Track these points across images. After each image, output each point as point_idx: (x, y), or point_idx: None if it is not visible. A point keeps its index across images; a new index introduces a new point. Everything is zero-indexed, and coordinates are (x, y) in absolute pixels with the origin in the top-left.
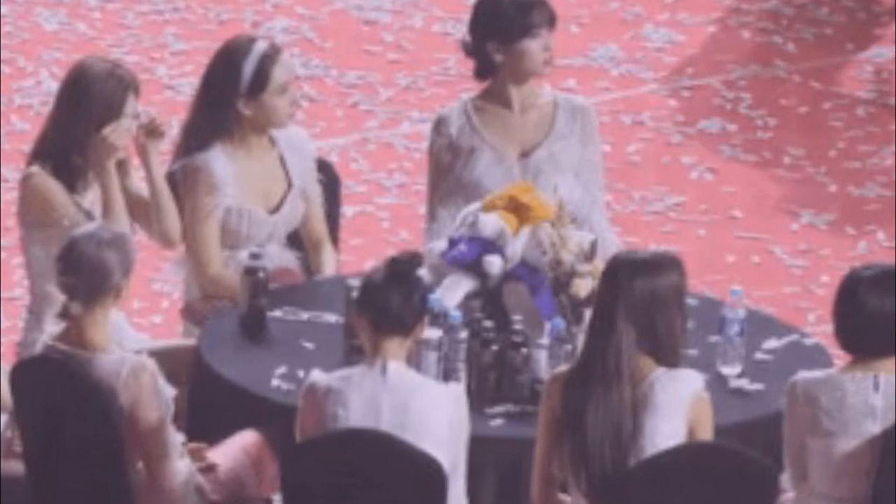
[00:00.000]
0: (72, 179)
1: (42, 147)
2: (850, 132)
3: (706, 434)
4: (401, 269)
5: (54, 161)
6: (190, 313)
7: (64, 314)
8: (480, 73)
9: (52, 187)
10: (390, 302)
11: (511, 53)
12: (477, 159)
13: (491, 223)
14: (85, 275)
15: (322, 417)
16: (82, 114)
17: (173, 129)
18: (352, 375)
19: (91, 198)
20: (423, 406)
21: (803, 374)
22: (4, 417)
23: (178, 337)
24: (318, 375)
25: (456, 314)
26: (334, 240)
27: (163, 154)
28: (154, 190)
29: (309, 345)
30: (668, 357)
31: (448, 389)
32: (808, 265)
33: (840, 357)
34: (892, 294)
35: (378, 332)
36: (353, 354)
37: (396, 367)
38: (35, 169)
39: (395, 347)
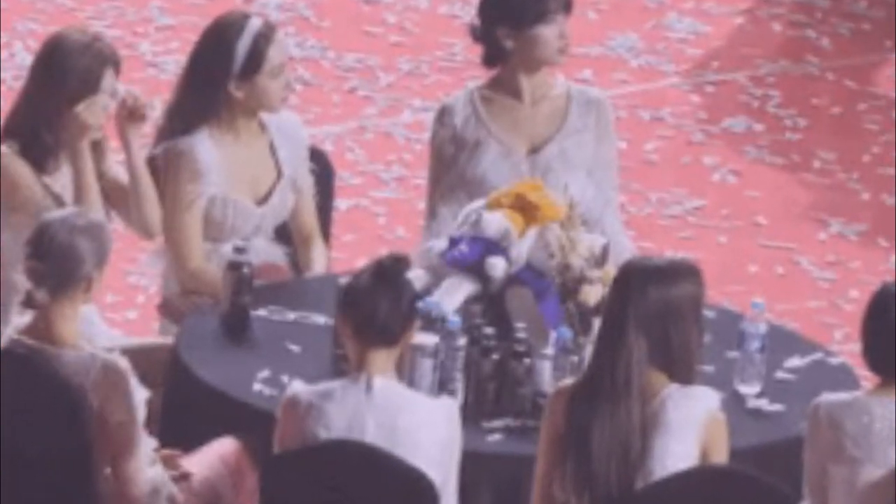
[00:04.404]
0: (41, 159)
1: (12, 123)
2: (885, 136)
3: (720, 457)
4: (386, 274)
5: (24, 139)
6: (167, 309)
7: (28, 302)
8: (489, 61)
9: (20, 169)
10: (375, 311)
11: (523, 40)
12: (482, 153)
13: (495, 222)
14: (54, 261)
15: (302, 435)
16: (55, 88)
17: (156, 110)
18: (334, 391)
19: (62, 181)
20: (412, 424)
21: (827, 396)
22: None
23: (153, 334)
24: (299, 388)
25: (454, 319)
26: (326, 235)
27: (145, 136)
28: (134, 175)
29: (295, 347)
30: (682, 373)
31: (440, 405)
32: (837, 278)
33: (867, 378)
34: None
35: (363, 343)
36: (342, 361)
37: (383, 382)
38: (3, 148)
39: (382, 359)
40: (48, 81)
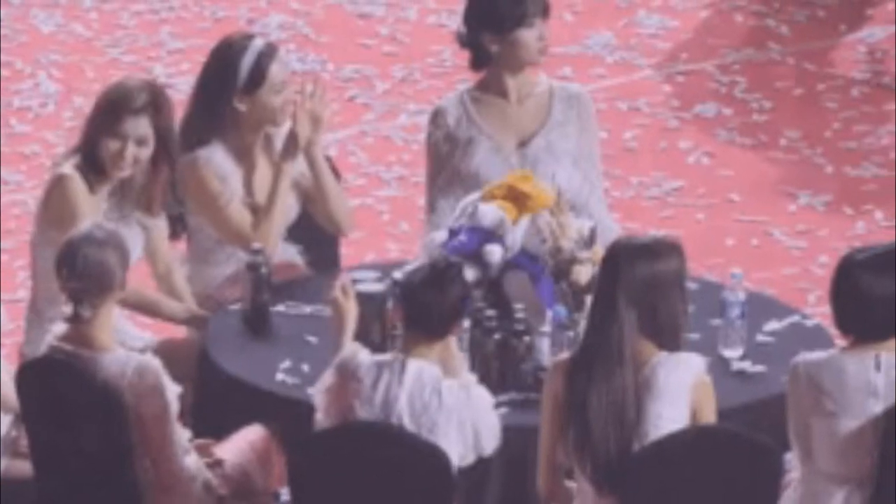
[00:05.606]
0: (92, 177)
1: (82, 141)
2: (845, 113)
3: (709, 418)
4: (437, 276)
5: (84, 152)
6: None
7: (74, 319)
8: (476, 64)
9: (81, 198)
10: (423, 307)
11: (506, 43)
12: (475, 150)
13: (490, 213)
14: (91, 279)
15: (353, 401)
16: (94, 119)
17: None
18: (373, 367)
19: (104, 192)
20: (434, 405)
21: (805, 356)
22: (9, 418)
23: (182, 334)
24: (364, 356)
25: None
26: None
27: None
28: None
29: (312, 339)
30: (670, 341)
31: (461, 391)
32: (807, 246)
33: (840, 337)
34: (887, 276)
35: (409, 331)
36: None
37: (417, 365)
38: (68, 171)
39: (424, 347)
40: (92, 112)
